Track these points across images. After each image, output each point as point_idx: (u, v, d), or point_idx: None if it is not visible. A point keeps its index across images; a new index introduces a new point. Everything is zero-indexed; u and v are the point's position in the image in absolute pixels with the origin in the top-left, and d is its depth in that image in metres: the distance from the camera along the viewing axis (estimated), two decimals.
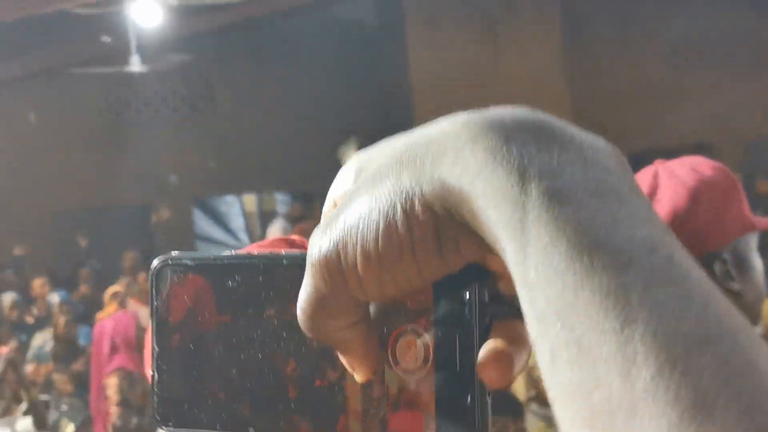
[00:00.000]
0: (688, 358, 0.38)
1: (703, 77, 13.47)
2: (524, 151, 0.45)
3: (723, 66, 13.44)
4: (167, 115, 14.23)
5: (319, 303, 0.51)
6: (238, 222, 15.27)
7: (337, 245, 0.49)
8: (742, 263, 1.70)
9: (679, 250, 0.43)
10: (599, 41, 13.66)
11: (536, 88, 12.27)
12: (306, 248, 1.59)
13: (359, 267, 0.49)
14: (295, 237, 1.60)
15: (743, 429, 0.36)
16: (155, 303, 0.56)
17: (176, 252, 0.56)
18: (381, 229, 0.48)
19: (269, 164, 14.28)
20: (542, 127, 0.47)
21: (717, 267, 1.67)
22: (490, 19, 12.65)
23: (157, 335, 0.56)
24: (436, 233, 0.48)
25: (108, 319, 8.03)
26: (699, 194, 1.68)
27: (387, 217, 0.48)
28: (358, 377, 0.53)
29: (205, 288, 0.55)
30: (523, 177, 0.45)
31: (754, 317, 1.71)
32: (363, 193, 0.50)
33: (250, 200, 15.33)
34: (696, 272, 0.42)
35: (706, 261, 1.67)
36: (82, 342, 8.82)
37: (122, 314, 8.08)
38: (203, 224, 14.99)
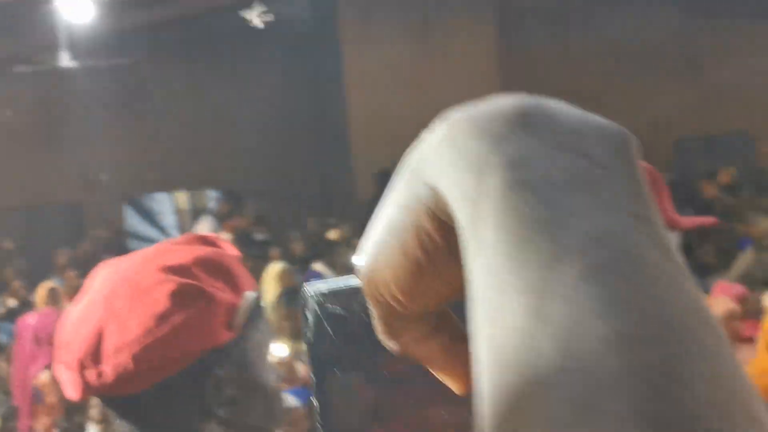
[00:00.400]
0: (591, 361, 0.35)
1: (635, 78, 13.67)
2: (492, 144, 0.42)
3: (654, 67, 13.66)
4: (99, 113, 14.08)
5: (381, 320, 0.49)
6: (169, 219, 15.18)
7: (369, 262, 0.47)
8: None
9: (649, 243, 0.39)
10: (534, 42, 13.76)
11: (470, 87, 12.34)
12: (219, 246, 1.58)
13: (389, 281, 0.46)
14: (211, 235, 1.59)
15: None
16: (308, 334, 0.57)
17: (320, 282, 0.57)
18: (395, 239, 0.46)
19: (201, 161, 14.23)
20: (520, 114, 0.44)
21: None
22: (423, 18, 12.70)
23: (315, 366, 0.57)
24: (444, 238, 0.45)
25: (31, 315, 7.96)
26: None
27: (398, 227, 0.46)
28: (456, 390, 0.50)
29: (348, 315, 0.56)
30: (482, 172, 0.41)
31: None
32: (383, 207, 0.47)
33: (182, 198, 15.24)
34: (663, 267, 0.38)
35: None
36: (4, 339, 8.74)
37: (47, 310, 7.99)
38: (135, 222, 14.89)
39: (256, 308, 1.46)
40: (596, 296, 0.36)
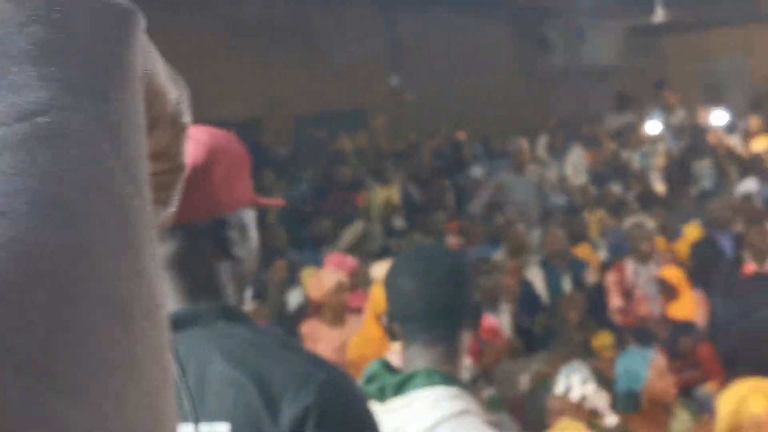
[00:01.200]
0: None
1: (256, 55, 13.82)
2: None
3: (274, 45, 13.88)
4: None
5: None
6: None
7: None
8: (244, 232, 1.74)
9: (86, 119, 0.38)
10: (151, 15, 13.55)
11: None
12: None
13: None
14: None
15: None
16: None
17: None
18: None
19: None
20: None
21: (229, 231, 1.69)
22: None
23: None
24: None
25: None
26: (216, 156, 1.70)
27: None
28: None
29: None
30: None
31: (244, 283, 1.76)
32: None
33: None
34: (91, 143, 0.37)
35: (219, 223, 1.69)
36: None
37: None
38: None
39: None
40: None
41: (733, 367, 5.73)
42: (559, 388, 4.62)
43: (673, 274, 7.29)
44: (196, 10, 13.51)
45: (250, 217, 1.77)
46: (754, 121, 11.79)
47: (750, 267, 6.94)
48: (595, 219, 9.48)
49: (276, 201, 1.99)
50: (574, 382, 4.61)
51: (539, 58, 16.59)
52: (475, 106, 14.28)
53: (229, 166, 1.72)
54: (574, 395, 4.56)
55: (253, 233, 1.78)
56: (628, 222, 7.91)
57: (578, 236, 8.64)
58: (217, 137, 1.74)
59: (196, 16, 13.58)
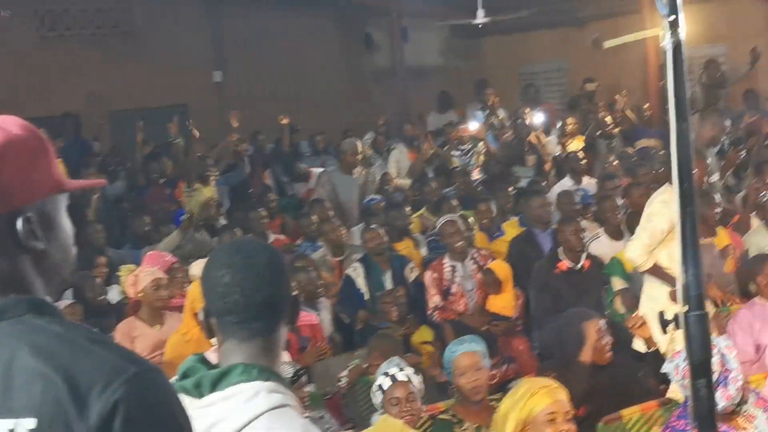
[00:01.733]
0: None
1: (74, 49, 13.56)
2: None
3: (93, 39, 13.64)
4: None
5: None
6: None
7: None
8: (48, 223, 1.68)
9: None
10: None
11: None
12: None
13: None
14: None
15: None
16: None
17: None
18: None
19: None
20: None
21: (21, 225, 1.63)
22: None
23: None
24: None
25: None
26: (5, 151, 1.64)
27: None
28: None
29: None
30: None
31: (57, 276, 1.70)
32: None
33: None
34: None
35: (10, 218, 1.62)
36: None
37: None
38: None
39: None
40: None
41: (547, 361, 5.90)
42: (399, 377, 4.66)
43: (501, 267, 7.42)
44: (14, 4, 13.11)
45: (56, 207, 1.71)
46: (570, 122, 12.11)
47: (564, 264, 7.13)
48: (417, 216, 9.57)
49: (94, 182, 1.93)
50: (411, 374, 4.69)
51: (364, 57, 16.70)
52: (300, 103, 14.27)
53: (22, 158, 1.65)
54: (416, 386, 4.66)
55: (63, 224, 1.72)
56: (441, 220, 8.00)
57: (400, 232, 8.71)
58: (8, 131, 1.67)
59: (13, 10, 13.18)
